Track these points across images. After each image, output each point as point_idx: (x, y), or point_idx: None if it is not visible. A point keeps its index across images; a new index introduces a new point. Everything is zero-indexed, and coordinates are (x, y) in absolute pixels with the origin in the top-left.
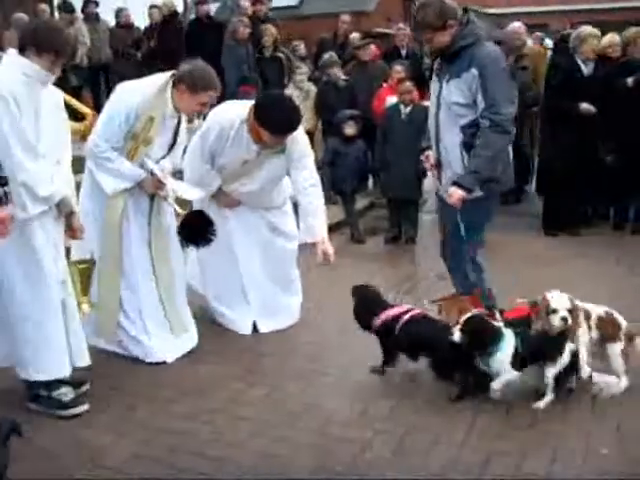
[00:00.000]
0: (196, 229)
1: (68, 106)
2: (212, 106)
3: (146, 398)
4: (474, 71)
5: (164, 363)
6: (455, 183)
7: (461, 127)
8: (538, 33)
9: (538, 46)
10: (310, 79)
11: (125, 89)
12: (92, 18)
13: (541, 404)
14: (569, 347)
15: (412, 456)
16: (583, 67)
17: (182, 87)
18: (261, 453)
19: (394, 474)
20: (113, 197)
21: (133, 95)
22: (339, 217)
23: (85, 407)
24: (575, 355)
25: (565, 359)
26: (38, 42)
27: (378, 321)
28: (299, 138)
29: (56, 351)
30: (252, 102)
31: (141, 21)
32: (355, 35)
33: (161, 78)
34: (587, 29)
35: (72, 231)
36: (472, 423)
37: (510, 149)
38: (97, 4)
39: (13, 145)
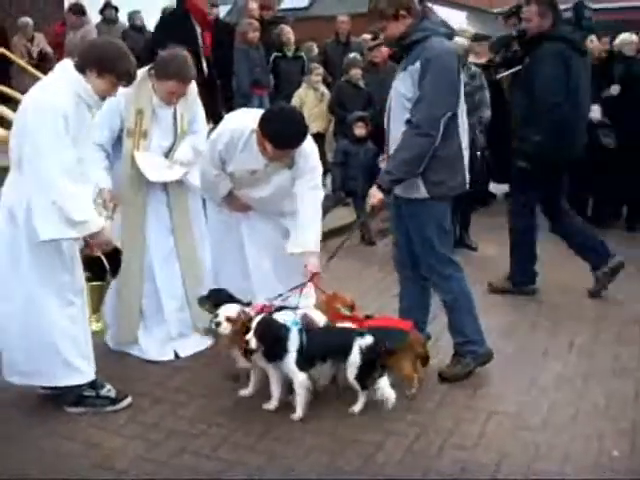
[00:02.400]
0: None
1: None
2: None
3: (156, 400)
4: (417, 64)
5: (174, 364)
6: (376, 183)
7: (406, 121)
8: None
9: None
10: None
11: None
12: (110, 21)
13: (355, 408)
14: (358, 344)
15: (423, 458)
16: None
17: (152, 73)
18: (270, 455)
19: (405, 475)
20: (133, 194)
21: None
22: (349, 218)
23: (129, 400)
24: (370, 351)
25: (355, 357)
26: (103, 63)
27: None
28: (308, 152)
29: (84, 355)
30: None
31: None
32: (366, 36)
33: (142, 70)
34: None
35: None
36: (484, 424)
37: (466, 154)
38: (117, 10)
39: (52, 163)
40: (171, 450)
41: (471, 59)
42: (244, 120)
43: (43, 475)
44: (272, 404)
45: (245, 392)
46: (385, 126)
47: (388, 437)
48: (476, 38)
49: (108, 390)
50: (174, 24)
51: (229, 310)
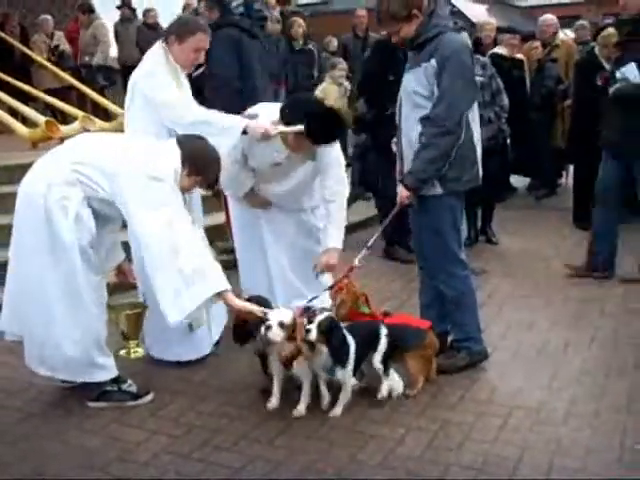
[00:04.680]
0: None
1: (98, 105)
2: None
3: (177, 395)
4: (433, 62)
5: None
6: (401, 181)
7: (419, 119)
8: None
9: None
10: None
11: (137, 78)
12: (126, 20)
13: (383, 392)
14: (383, 332)
15: (444, 452)
16: (605, 63)
17: (171, 40)
18: (291, 450)
19: (426, 469)
20: None
21: (144, 75)
22: (370, 213)
23: (150, 397)
24: (390, 335)
25: (383, 344)
26: (197, 166)
27: None
28: (330, 147)
29: (107, 352)
30: (280, 105)
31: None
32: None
33: (154, 48)
34: (610, 33)
35: (123, 274)
36: (505, 419)
37: (479, 147)
38: (134, 10)
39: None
40: (192, 444)
41: (499, 50)
42: (264, 114)
43: (66, 468)
44: (302, 408)
45: (273, 403)
46: (397, 124)
47: (409, 432)
48: (499, 30)
49: (129, 385)
50: (386, 55)
51: (283, 315)
